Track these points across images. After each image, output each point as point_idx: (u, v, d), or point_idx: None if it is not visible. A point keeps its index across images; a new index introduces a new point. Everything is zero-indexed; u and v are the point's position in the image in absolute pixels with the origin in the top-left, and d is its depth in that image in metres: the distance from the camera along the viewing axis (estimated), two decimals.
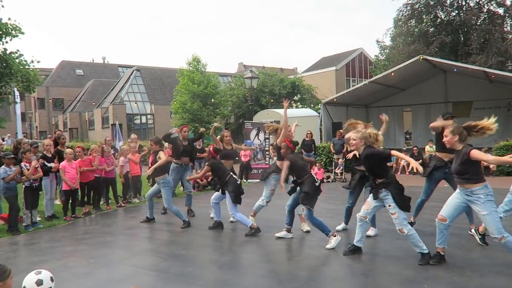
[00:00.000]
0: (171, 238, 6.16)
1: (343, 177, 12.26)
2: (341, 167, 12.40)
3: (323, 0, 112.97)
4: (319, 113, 17.12)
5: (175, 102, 23.18)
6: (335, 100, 16.65)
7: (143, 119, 34.39)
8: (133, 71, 36.44)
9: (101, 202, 8.74)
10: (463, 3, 23.00)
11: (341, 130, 13.29)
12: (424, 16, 23.78)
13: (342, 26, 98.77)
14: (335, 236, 5.20)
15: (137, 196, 9.56)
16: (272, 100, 25.11)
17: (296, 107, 25.33)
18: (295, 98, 26.26)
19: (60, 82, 43.01)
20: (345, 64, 37.45)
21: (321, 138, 15.87)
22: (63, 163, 7.52)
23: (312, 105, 25.82)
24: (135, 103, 33.94)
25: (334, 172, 12.47)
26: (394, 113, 18.40)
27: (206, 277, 4.44)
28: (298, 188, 5.34)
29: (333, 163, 12.76)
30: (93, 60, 50.30)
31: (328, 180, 12.12)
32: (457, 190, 4.41)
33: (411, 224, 5.60)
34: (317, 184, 5.22)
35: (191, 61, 23.42)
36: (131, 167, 9.24)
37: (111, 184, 8.78)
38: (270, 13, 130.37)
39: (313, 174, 5.34)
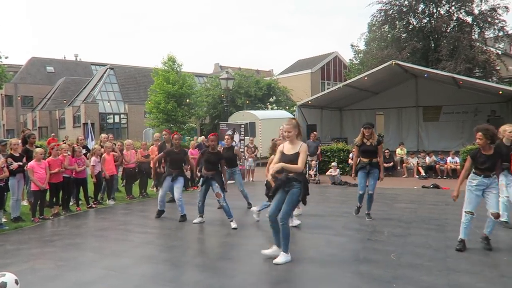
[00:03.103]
0: (144, 240, 6.07)
1: (317, 178, 12.41)
2: (315, 169, 12.55)
3: (300, 4, 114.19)
4: (294, 115, 17.27)
5: (149, 102, 22.85)
6: (310, 102, 16.84)
7: (116, 119, 33.72)
8: (107, 69, 35.70)
9: (71, 203, 8.51)
10: (434, 10, 23.71)
11: (315, 132, 13.45)
12: (397, 22, 24.36)
13: (318, 30, 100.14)
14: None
15: (112, 198, 9.36)
16: (247, 102, 25.14)
17: (272, 108, 25.47)
18: (271, 99, 26.40)
19: (29, 79, 41.64)
20: (320, 67, 37.96)
21: None
22: (32, 162, 7.29)
23: (287, 107, 26.03)
24: (108, 102, 33.25)
25: (308, 174, 12.60)
26: (367, 116, 18.78)
27: (181, 279, 4.39)
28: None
29: (307, 165, 12.88)
30: (64, 57, 49.00)
31: None
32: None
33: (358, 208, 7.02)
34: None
35: (166, 60, 23.15)
36: (106, 166, 9.05)
37: (82, 185, 8.56)
38: (248, 15, 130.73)
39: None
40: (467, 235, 5.06)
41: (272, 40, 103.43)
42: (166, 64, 23.17)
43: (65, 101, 34.21)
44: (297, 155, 4.68)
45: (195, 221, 6.97)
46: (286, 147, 4.79)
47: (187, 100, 22.39)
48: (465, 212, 5.04)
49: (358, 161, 6.98)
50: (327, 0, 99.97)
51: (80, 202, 8.72)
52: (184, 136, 22.20)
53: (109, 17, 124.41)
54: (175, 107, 21.64)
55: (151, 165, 10.18)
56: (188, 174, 9.41)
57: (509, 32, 22.73)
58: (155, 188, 10.34)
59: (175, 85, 21.69)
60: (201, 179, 6.87)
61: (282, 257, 4.72)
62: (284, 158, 4.72)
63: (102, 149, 9.22)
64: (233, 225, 6.51)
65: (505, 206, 5.77)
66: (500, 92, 14.61)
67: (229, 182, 8.11)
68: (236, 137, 13.81)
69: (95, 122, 30.17)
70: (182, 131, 22.08)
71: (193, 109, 23.35)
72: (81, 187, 8.59)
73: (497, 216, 4.93)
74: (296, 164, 4.66)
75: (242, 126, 14.67)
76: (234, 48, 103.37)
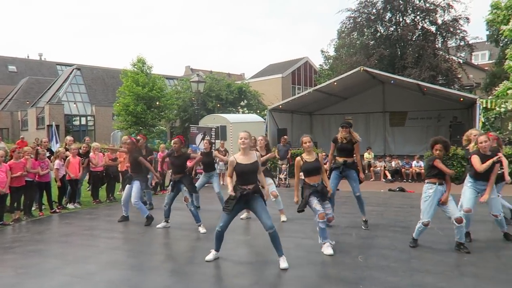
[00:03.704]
0: (111, 245, 5.91)
1: (287, 182, 12.52)
2: (285, 173, 12.65)
3: (271, 9, 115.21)
4: (265, 119, 17.36)
5: (117, 104, 22.33)
6: (280, 106, 16.97)
7: (83, 121, 32.74)
8: (73, 69, 34.62)
9: (33, 208, 8.18)
10: (400, 19, 24.52)
11: (285, 136, 13.57)
12: (365, 30, 25.03)
13: (289, 35, 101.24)
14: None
15: (77, 202, 9.08)
16: (219, 105, 25.06)
17: (243, 112, 25.50)
18: (242, 103, 26.44)
19: None
20: (291, 72, 38.37)
21: None
22: None
23: (258, 111, 26.13)
24: (74, 103, 32.26)
25: (279, 178, 12.69)
26: (337, 121, 19.09)
27: (149, 285, 4.31)
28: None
29: (278, 169, 12.98)
30: (28, 56, 47.17)
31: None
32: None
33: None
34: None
35: (135, 62, 22.75)
36: (71, 170, 8.78)
37: (45, 189, 8.26)
38: (220, 19, 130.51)
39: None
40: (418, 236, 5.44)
41: (243, 44, 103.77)
42: (136, 66, 22.76)
43: (28, 102, 32.90)
44: (257, 163, 4.81)
45: (159, 226, 6.87)
46: (241, 158, 4.77)
47: (157, 103, 22.05)
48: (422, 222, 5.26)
49: (332, 159, 6.75)
50: (298, 5, 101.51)
51: (43, 207, 8.40)
52: (153, 139, 21.86)
53: (76, 17, 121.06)
54: (145, 109, 21.26)
55: (120, 169, 10.00)
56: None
57: (470, 42, 23.82)
58: (123, 192, 10.11)
59: (145, 87, 21.32)
60: (170, 183, 6.79)
61: (285, 262, 4.71)
62: (244, 168, 4.72)
63: (67, 152, 8.94)
64: (202, 230, 6.47)
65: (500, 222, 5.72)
66: (461, 99, 15.25)
67: (206, 185, 8.10)
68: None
69: (60, 124, 29.21)
70: (151, 134, 21.71)
71: (163, 112, 23.02)
72: (44, 191, 8.28)
73: (461, 220, 5.09)
74: (259, 173, 4.88)
75: (213, 129, 14.61)
76: (205, 51, 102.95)
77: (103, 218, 7.99)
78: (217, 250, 5.05)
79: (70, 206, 8.93)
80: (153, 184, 11.21)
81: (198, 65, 66.96)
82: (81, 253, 5.53)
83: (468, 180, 5.60)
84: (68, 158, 8.79)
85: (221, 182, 12.82)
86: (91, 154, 9.56)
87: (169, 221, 6.89)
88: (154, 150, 16.54)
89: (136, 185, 7.17)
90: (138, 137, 9.46)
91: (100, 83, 34.91)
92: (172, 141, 6.93)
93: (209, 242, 5.91)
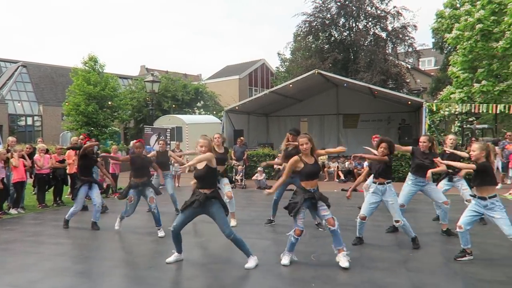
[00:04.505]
0: (56, 251, 5.61)
1: (243, 183, 12.53)
2: (241, 174, 12.66)
3: (229, 11, 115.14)
4: (221, 120, 17.29)
5: (67, 104, 21.32)
6: (237, 108, 16.98)
7: (29, 121, 30.98)
8: (18, 67, 32.65)
9: None
10: (353, 25, 25.38)
11: (242, 138, 13.59)
12: (320, 34, 25.66)
13: (247, 37, 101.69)
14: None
15: (21, 206, 8.55)
16: (174, 106, 24.65)
17: (199, 113, 25.26)
18: (198, 104, 26.18)
19: None
20: (248, 73, 38.54)
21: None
22: None
23: (215, 112, 25.99)
24: (19, 102, 30.45)
25: (235, 179, 12.67)
26: (292, 123, 19.42)
27: None
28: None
29: (234, 170, 12.97)
30: None
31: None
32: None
33: (270, 221, 6.92)
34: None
35: (87, 60, 21.84)
36: (14, 172, 8.26)
37: None
38: (176, 19, 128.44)
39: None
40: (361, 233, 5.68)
41: (201, 45, 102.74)
42: (87, 64, 21.85)
43: None
44: (216, 169, 4.81)
45: (116, 227, 6.67)
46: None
47: (110, 103, 21.29)
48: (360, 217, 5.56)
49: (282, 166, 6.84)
50: (255, 8, 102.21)
51: None
52: (106, 140, 21.08)
53: (22, 11, 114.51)
54: (97, 109, 20.44)
55: (68, 171, 9.54)
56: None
57: (417, 49, 25.11)
58: (71, 196, 9.66)
59: (97, 86, 20.51)
60: (131, 190, 6.43)
61: (252, 261, 4.72)
62: (202, 173, 4.68)
63: (9, 154, 8.39)
64: (160, 233, 6.27)
65: (444, 214, 6.05)
66: (409, 103, 16.02)
67: (160, 186, 7.88)
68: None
69: (4, 124, 27.50)
70: (104, 135, 20.93)
71: (116, 112, 22.25)
72: None
73: (399, 222, 5.36)
74: (227, 176, 4.80)
75: (168, 130, 14.35)
76: (162, 51, 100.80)
77: (49, 223, 7.57)
78: (179, 252, 4.94)
79: (13, 211, 8.40)
80: (105, 186, 10.82)
81: (154, 65, 65.51)
82: (23, 260, 5.20)
83: (409, 178, 5.99)
84: (10, 160, 8.26)
85: (176, 184, 12.62)
86: (36, 155, 9.06)
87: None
88: (106, 152, 16.00)
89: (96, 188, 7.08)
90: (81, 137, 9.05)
91: (48, 81, 33.22)
92: (135, 145, 6.72)
93: (163, 246, 5.79)
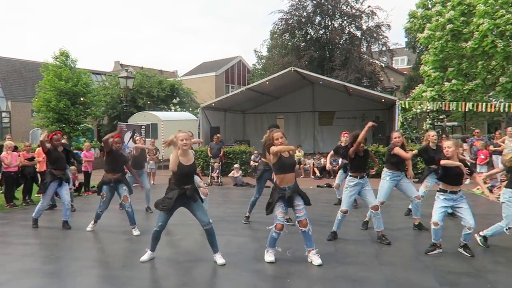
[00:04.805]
0: (25, 252, 5.41)
1: (220, 180, 12.47)
2: (218, 171, 12.59)
3: (206, 8, 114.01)
4: (197, 117, 17.14)
5: (37, 100, 20.62)
6: (213, 105, 16.87)
7: None
8: None
9: None
10: (329, 23, 25.63)
11: (218, 135, 13.51)
12: (296, 32, 25.80)
13: (223, 34, 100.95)
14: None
15: None
16: (149, 102, 24.24)
17: (175, 110, 24.97)
18: (174, 101, 25.85)
19: None
20: (224, 70, 38.33)
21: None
22: None
23: (191, 109, 25.74)
24: None
25: (211, 176, 12.60)
26: (269, 120, 19.48)
27: None
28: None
29: (210, 167, 12.89)
30: None
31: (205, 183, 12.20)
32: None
33: (247, 218, 6.90)
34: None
35: (58, 55, 21.18)
36: None
37: None
38: (152, 15, 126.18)
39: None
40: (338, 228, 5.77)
41: (177, 41, 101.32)
42: (58, 59, 21.19)
43: None
44: (195, 164, 4.85)
45: (88, 228, 6.50)
46: (184, 159, 4.63)
47: (82, 99, 20.71)
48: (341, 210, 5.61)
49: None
50: (232, 5, 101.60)
51: None
52: (78, 137, 20.55)
53: None
54: (68, 105, 19.84)
55: (38, 169, 9.24)
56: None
57: (391, 48, 25.60)
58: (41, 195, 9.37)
59: (69, 82, 19.91)
60: (104, 186, 6.33)
61: (221, 258, 4.74)
62: (185, 169, 4.61)
63: None
64: (135, 232, 6.17)
65: (416, 209, 6.20)
66: (383, 100, 16.34)
67: (134, 185, 7.72)
68: (137, 139, 13.20)
69: None
70: (76, 131, 20.38)
71: (89, 108, 21.68)
72: None
73: (377, 208, 5.47)
74: (196, 173, 4.81)
75: (143, 127, 14.11)
76: (136, 47, 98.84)
77: (17, 222, 7.32)
78: (153, 250, 4.92)
79: None
80: (78, 184, 10.57)
81: (129, 61, 64.46)
82: None
83: (386, 174, 6.07)
84: None
85: (151, 182, 12.43)
86: (3, 153, 8.73)
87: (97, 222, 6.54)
88: (79, 149, 15.60)
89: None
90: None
91: (17, 76, 32.03)
92: (114, 141, 6.54)
93: (136, 244, 5.69)
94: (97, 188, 6.51)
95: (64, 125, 19.71)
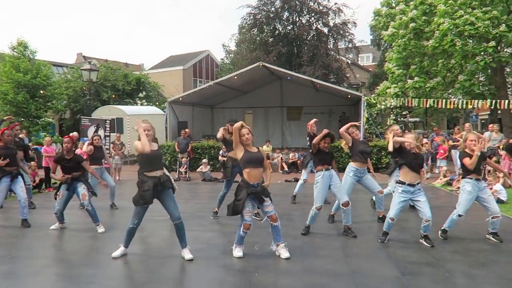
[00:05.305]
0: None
1: (188, 176, 12.34)
2: (186, 166, 12.46)
3: (172, 1, 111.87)
4: (165, 112, 16.86)
5: None
6: (181, 99, 16.64)
7: None
8: None
9: None
10: (297, 19, 25.86)
11: (186, 130, 13.35)
12: (265, 27, 25.86)
13: (191, 27, 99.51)
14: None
15: None
16: (114, 96, 23.59)
17: (141, 104, 24.45)
18: (140, 95, 25.31)
19: None
20: (192, 64, 37.86)
21: (166, 137, 15.66)
22: None
23: (158, 103, 25.29)
24: None
25: (179, 171, 12.45)
26: (237, 115, 19.43)
27: None
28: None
29: (178, 162, 12.72)
30: None
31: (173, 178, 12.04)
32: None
33: (215, 213, 6.89)
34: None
35: (15, 45, 20.21)
36: None
37: None
38: (117, 5, 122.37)
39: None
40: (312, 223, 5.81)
41: (143, 34, 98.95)
42: (16, 50, 20.24)
43: None
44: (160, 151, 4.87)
45: (52, 227, 6.25)
46: (152, 146, 4.63)
47: (42, 92, 19.87)
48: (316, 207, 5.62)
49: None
50: None
51: None
52: (38, 132, 19.73)
53: None
54: (27, 99, 19.00)
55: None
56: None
57: (357, 45, 26.16)
58: None
59: (27, 74, 19.06)
60: (62, 185, 6.09)
61: (189, 253, 4.69)
62: (155, 155, 4.65)
63: None
64: (100, 229, 6.00)
65: (380, 202, 6.37)
66: (349, 96, 16.67)
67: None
68: (101, 133, 12.82)
69: None
70: (36, 126, 19.56)
71: (50, 102, 20.84)
72: None
73: (347, 204, 5.56)
74: (162, 161, 4.82)
75: (108, 121, 13.70)
76: (100, 39, 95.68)
77: None
78: (126, 246, 4.83)
79: None
80: (38, 181, 10.17)
81: (92, 53, 62.30)
82: None
83: (350, 169, 6.16)
84: None
85: (117, 178, 12.14)
86: None
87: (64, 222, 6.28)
88: (39, 144, 14.97)
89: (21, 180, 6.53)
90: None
91: None
92: (64, 141, 6.27)
93: (100, 241, 5.54)
94: (57, 188, 6.25)
95: (23, 119, 18.88)
